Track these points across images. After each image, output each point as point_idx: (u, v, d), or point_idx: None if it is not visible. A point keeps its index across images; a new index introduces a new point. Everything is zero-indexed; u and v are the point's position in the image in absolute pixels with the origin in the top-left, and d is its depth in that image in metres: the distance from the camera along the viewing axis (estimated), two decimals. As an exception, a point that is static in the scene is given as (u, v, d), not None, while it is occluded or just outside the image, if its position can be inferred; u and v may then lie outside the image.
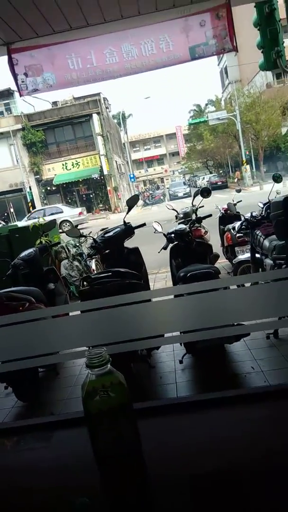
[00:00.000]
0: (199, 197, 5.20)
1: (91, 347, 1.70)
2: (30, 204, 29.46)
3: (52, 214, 20.51)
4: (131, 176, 37.29)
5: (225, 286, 2.27)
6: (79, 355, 2.65)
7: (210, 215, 4.71)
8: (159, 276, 6.76)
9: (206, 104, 43.84)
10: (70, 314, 2.69)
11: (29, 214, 23.30)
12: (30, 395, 3.30)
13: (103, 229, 4.71)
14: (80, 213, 21.96)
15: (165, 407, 1.02)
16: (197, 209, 5.39)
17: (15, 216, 29.47)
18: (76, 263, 6.58)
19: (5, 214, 30.06)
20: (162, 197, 34.70)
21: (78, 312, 1.74)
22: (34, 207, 29.25)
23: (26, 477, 0.84)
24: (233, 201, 6.24)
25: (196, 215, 5.02)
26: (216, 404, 0.97)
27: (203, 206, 5.38)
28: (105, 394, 0.66)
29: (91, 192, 31.58)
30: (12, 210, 29.79)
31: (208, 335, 1.66)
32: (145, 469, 0.72)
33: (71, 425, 0.96)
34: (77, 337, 1.46)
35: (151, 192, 38.36)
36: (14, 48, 3.25)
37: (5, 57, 3.32)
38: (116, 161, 32.81)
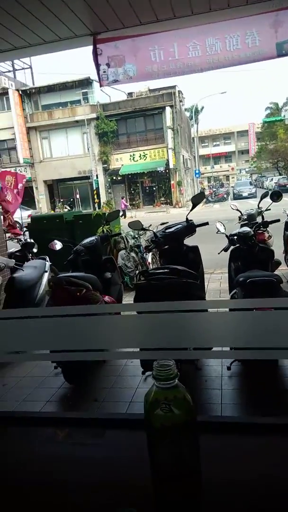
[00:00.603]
0: (266, 200, 4.98)
1: (140, 349, 1.69)
2: (95, 192, 30.35)
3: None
4: (197, 171, 36.82)
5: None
6: (128, 355, 2.66)
7: (278, 220, 4.49)
8: (214, 276, 6.62)
9: (285, 103, 41.84)
10: (123, 312, 2.71)
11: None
12: (78, 378, 3.40)
13: (163, 223, 4.70)
14: (29, 216, 22.02)
15: (223, 425, 0.97)
16: (263, 212, 5.17)
17: (80, 202, 30.56)
18: (133, 254, 6.65)
19: (71, 200, 31.29)
20: (225, 196, 33.90)
21: (134, 312, 1.73)
22: (98, 195, 30.08)
23: (75, 472, 0.84)
24: (303, 206, 5.91)
25: (263, 218, 4.82)
26: (279, 429, 0.90)
27: (270, 210, 5.15)
28: (167, 407, 0.64)
29: (154, 185, 31.74)
30: (78, 196, 30.91)
31: (262, 355, 1.57)
32: (202, 491, 0.69)
33: (124, 425, 0.96)
34: (128, 337, 1.45)
35: (214, 189, 37.63)
36: (100, 38, 3.30)
37: (90, 47, 3.38)
38: (183, 156, 32.59)
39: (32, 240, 5.93)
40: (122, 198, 28.10)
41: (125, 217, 24.13)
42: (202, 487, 0.70)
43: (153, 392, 0.66)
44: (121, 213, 6.71)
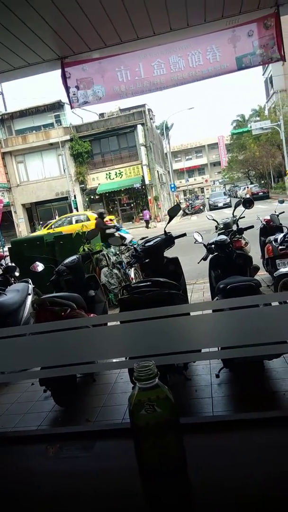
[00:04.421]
0: (240, 208, 5.11)
1: (128, 358, 1.69)
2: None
3: None
4: (172, 185, 37.36)
5: (267, 302, 2.19)
6: (116, 365, 2.66)
7: (252, 227, 4.61)
8: (197, 286, 6.68)
9: (251, 115, 43.23)
10: (109, 324, 2.72)
11: None
12: (68, 400, 3.35)
13: (143, 238, 4.75)
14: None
15: (203, 424, 0.99)
16: (237, 220, 5.30)
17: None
18: (115, 271, 6.66)
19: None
20: (201, 207, 34.43)
21: (117, 323, 1.75)
22: (77, 215, 30.10)
23: (68, 485, 0.85)
24: (275, 212, 6.09)
25: (237, 226, 4.94)
26: (263, 424, 0.93)
27: (244, 217, 5.28)
28: (150, 408, 0.66)
29: (132, 201, 32.00)
30: (57, 217, 30.83)
31: (248, 352, 1.61)
32: (190, 487, 0.71)
33: (113, 436, 0.97)
34: (116, 348, 1.47)
35: (190, 202, 38.19)
36: (67, 62, 3.39)
37: (59, 71, 3.47)
38: (157, 171, 33.06)
39: (13, 264, 5.88)
40: (144, 210, 28.35)
41: (148, 227, 24.89)
42: (190, 482, 0.72)
43: (136, 394, 0.68)
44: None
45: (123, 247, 6.21)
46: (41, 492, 0.85)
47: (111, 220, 13.76)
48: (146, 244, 4.03)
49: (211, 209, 31.33)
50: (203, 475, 0.78)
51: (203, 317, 1.58)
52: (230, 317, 1.47)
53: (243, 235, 4.95)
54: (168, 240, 4.00)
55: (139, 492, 0.71)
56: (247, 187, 38.96)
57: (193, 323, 1.51)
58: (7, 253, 7.33)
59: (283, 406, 2.88)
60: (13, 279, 5.57)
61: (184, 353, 1.51)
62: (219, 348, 1.86)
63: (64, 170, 30.87)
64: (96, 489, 0.82)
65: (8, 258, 6.73)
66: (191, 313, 1.62)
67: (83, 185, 31.07)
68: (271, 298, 2.41)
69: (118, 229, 9.07)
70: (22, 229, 31.38)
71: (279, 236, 5.31)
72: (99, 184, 30.57)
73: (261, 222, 6.26)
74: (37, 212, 33.14)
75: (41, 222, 30.27)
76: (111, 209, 32.49)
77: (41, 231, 19.49)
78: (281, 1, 3.19)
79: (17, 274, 5.68)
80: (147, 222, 26.50)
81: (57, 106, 31.40)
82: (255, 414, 0.97)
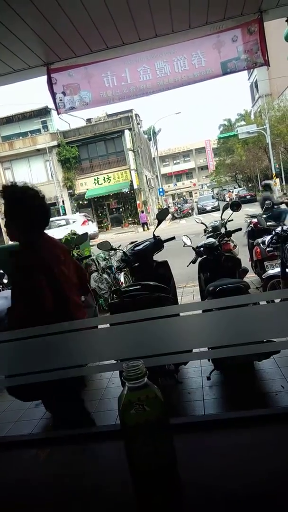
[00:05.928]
0: (228, 211, 5.16)
1: (118, 360, 1.69)
2: (62, 217, 30.27)
3: None
4: (160, 190, 37.52)
5: (255, 301, 2.21)
6: (107, 368, 2.66)
7: (239, 229, 4.66)
8: (187, 290, 6.71)
9: (237, 119, 43.80)
10: (99, 326, 2.70)
11: None
12: (58, 406, 3.32)
13: (132, 243, 4.75)
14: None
15: (194, 424, 1.00)
16: (226, 222, 5.35)
17: (47, 229, 30.34)
18: (105, 276, 6.64)
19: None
20: (190, 211, 34.64)
21: (107, 325, 1.75)
22: (66, 221, 30.01)
23: (60, 488, 0.84)
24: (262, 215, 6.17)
25: (226, 228, 4.98)
26: (249, 422, 0.94)
27: (232, 220, 5.33)
28: (140, 407, 0.66)
29: (121, 206, 32.04)
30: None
31: (237, 352, 1.62)
32: (180, 486, 0.71)
33: (104, 438, 0.97)
34: (106, 350, 1.47)
35: (179, 206, 38.39)
36: (53, 68, 3.41)
37: (45, 77, 3.48)
38: (146, 176, 33.20)
39: (1, 271, 5.83)
40: (142, 213, 28.46)
41: (148, 229, 25.02)
42: (180, 481, 0.72)
43: (125, 394, 0.69)
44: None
45: (112, 251, 6.20)
46: (33, 496, 0.84)
47: None
48: (135, 248, 4.04)
49: (199, 213, 31.57)
50: (194, 474, 0.78)
51: (192, 317, 1.59)
52: (219, 317, 1.48)
53: (231, 237, 5.00)
54: (157, 243, 4.01)
55: (131, 493, 0.71)
56: (230, 191, 39.87)
57: (183, 324, 1.52)
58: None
59: (275, 407, 2.90)
60: (1, 286, 5.52)
61: (175, 354, 1.51)
62: (209, 348, 1.87)
63: (51, 176, 30.80)
64: (88, 491, 0.82)
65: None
66: (181, 314, 1.62)
67: (71, 191, 31.01)
68: (259, 298, 2.43)
69: None
70: (10, 235, 31.16)
71: (267, 239, 5.38)
72: (87, 189, 30.55)
73: (249, 224, 6.33)
74: (25, 218, 32.93)
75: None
76: (100, 214, 32.48)
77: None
78: (264, 7, 3.26)
79: (5, 281, 5.63)
80: (145, 224, 26.87)
81: (43, 112, 31.37)
82: (244, 413, 0.98)
